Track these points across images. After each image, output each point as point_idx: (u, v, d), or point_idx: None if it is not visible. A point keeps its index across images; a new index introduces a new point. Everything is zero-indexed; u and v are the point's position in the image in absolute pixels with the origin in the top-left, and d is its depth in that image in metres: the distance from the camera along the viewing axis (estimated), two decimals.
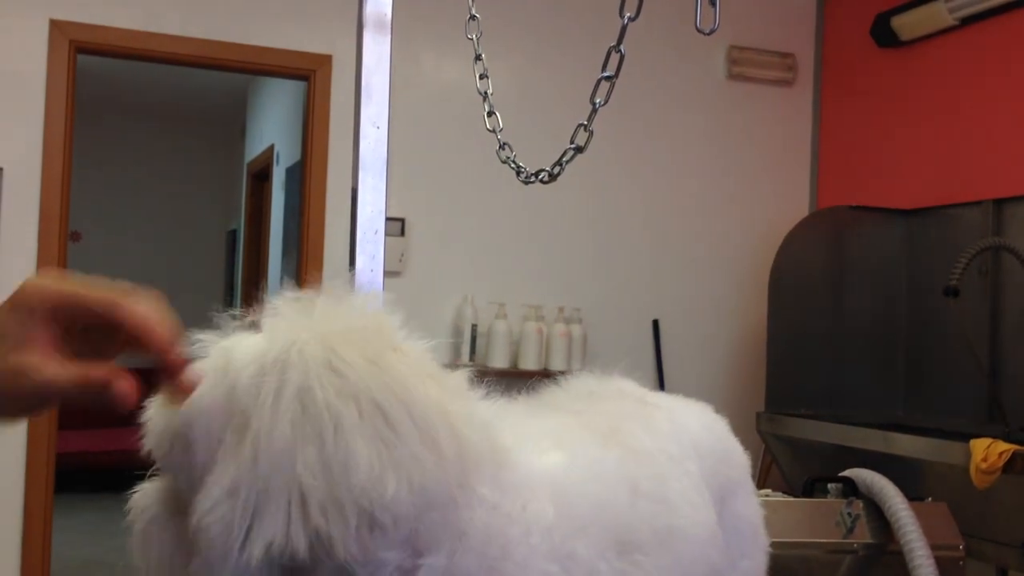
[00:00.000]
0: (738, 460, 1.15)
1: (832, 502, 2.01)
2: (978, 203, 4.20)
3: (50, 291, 0.75)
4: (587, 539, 0.84)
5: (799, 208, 5.25)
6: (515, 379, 4.57)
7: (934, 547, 1.87)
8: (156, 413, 0.80)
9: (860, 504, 2.00)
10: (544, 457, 0.87)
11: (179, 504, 0.78)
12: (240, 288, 8.15)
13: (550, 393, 1.09)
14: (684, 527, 0.95)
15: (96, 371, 0.74)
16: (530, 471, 0.84)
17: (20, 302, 0.75)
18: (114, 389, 0.73)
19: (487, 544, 0.78)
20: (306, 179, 4.65)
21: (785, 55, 5.28)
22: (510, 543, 0.79)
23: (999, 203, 4.12)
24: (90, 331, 0.77)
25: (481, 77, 1.55)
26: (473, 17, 1.61)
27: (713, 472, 1.06)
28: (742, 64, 5.19)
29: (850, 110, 5.17)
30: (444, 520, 0.76)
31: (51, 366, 0.74)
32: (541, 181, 1.49)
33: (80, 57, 4.34)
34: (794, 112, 5.36)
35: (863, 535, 1.97)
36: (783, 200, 5.28)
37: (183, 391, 0.76)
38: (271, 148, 7.38)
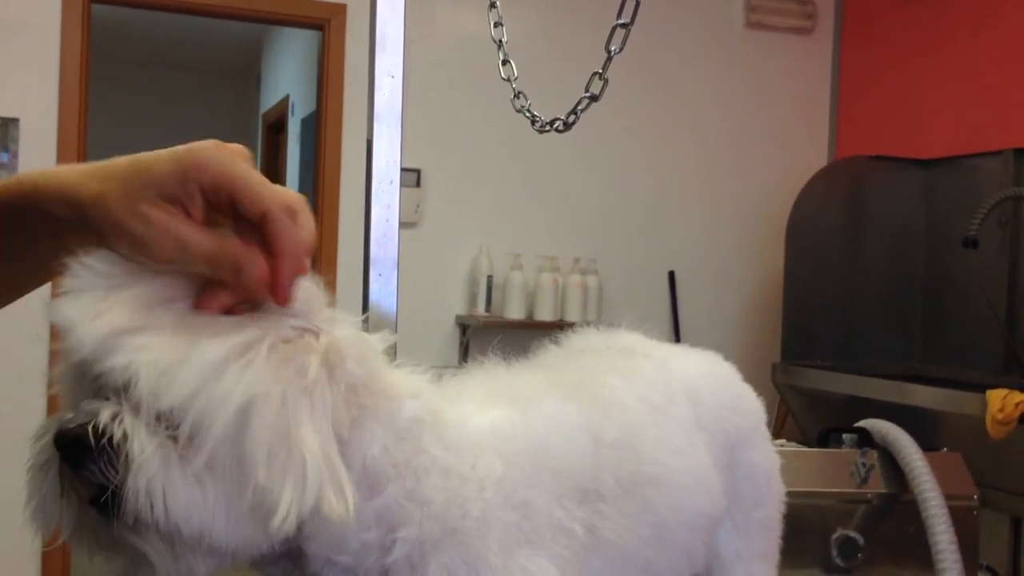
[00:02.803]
0: (749, 408, 1.13)
1: (846, 452, 2.01)
2: (998, 153, 4.15)
3: (216, 170, 0.71)
4: (539, 487, 0.84)
5: (818, 158, 5.21)
6: (530, 330, 4.60)
7: (948, 497, 1.87)
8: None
9: (874, 454, 2.00)
10: (487, 413, 0.87)
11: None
12: None
13: (545, 351, 1.08)
14: (657, 474, 0.93)
15: (234, 246, 0.70)
16: (475, 429, 0.85)
17: (187, 163, 0.71)
18: (247, 272, 0.70)
19: (448, 508, 0.79)
20: (321, 130, 4.63)
21: (804, 2, 5.21)
22: (467, 502, 0.79)
23: (1019, 153, 4.07)
24: (241, 220, 0.72)
25: (496, 25, 1.53)
26: None
27: (717, 419, 1.05)
28: (760, 12, 5.13)
29: (870, 59, 5.11)
30: (411, 492, 0.77)
31: (188, 225, 0.70)
32: (556, 130, 1.48)
33: (94, 7, 4.33)
34: (813, 61, 5.30)
35: (877, 485, 1.97)
36: (801, 150, 5.24)
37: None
38: (286, 99, 7.36)
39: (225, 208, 0.72)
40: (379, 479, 0.77)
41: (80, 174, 0.75)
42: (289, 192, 0.73)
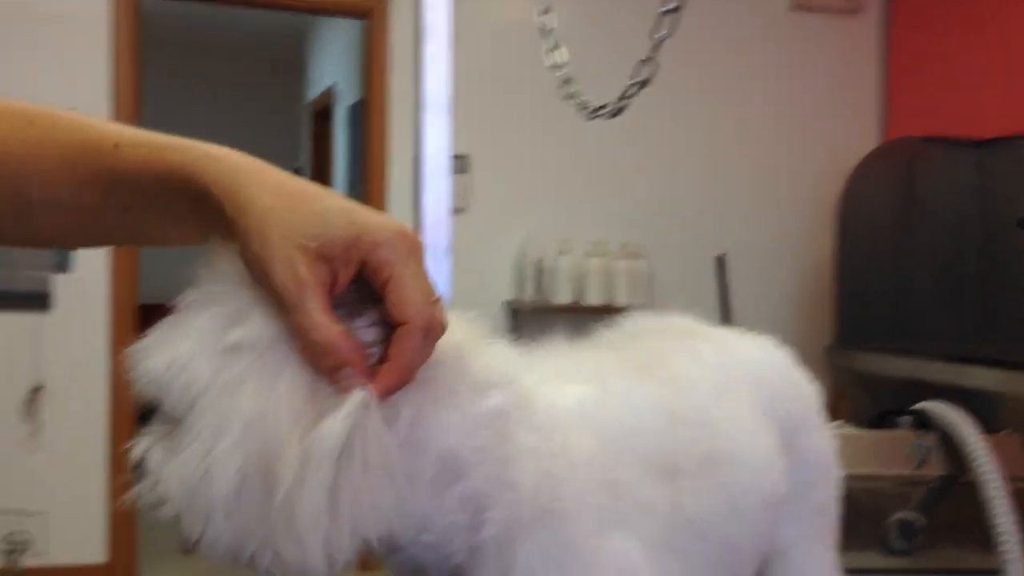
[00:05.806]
0: (804, 392, 1.12)
1: (903, 434, 1.99)
2: None
3: (383, 258, 0.71)
4: (627, 466, 0.83)
5: (867, 140, 5.15)
6: (578, 314, 4.59)
7: (1009, 479, 1.84)
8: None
9: (931, 436, 1.98)
10: (571, 390, 0.86)
11: None
12: None
13: (599, 334, 1.07)
14: (730, 451, 0.92)
15: (346, 352, 0.69)
16: (562, 406, 0.83)
17: (362, 235, 0.71)
18: (344, 379, 0.69)
19: (538, 491, 0.77)
20: (367, 118, 4.65)
21: None
22: (559, 484, 0.78)
23: None
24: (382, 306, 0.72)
25: (544, 12, 1.53)
26: None
27: (774, 404, 1.04)
28: None
29: (919, 38, 5.04)
30: (499, 477, 0.76)
31: (321, 303, 0.69)
32: (605, 117, 1.48)
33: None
34: (860, 42, 5.23)
35: (934, 467, 1.95)
36: (850, 132, 5.19)
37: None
38: (332, 87, 7.40)
39: (375, 290, 0.71)
40: (461, 465, 0.75)
41: (248, 175, 0.75)
42: (438, 311, 0.72)
